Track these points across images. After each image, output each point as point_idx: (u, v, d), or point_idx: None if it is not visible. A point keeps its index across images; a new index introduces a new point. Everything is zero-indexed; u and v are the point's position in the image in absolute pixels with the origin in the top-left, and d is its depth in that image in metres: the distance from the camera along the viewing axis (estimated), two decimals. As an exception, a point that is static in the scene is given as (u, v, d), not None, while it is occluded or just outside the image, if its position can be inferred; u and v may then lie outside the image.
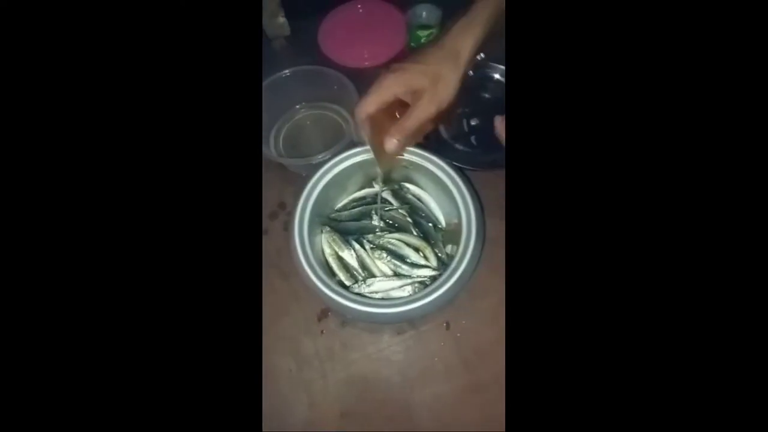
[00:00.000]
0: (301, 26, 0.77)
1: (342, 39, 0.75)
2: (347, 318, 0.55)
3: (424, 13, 0.72)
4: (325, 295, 0.49)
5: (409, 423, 0.50)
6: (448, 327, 0.55)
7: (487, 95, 0.69)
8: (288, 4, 0.74)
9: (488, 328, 0.54)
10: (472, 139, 0.66)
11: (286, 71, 0.64)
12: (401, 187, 0.61)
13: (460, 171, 0.54)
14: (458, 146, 0.65)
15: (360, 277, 0.55)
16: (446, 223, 0.59)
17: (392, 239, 0.56)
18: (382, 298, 0.52)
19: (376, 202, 0.59)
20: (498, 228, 0.56)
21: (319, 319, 0.56)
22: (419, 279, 0.53)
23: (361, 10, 0.79)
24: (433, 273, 0.53)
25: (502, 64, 0.67)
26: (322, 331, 0.55)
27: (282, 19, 0.75)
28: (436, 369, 0.53)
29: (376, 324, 0.55)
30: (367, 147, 0.55)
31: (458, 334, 0.54)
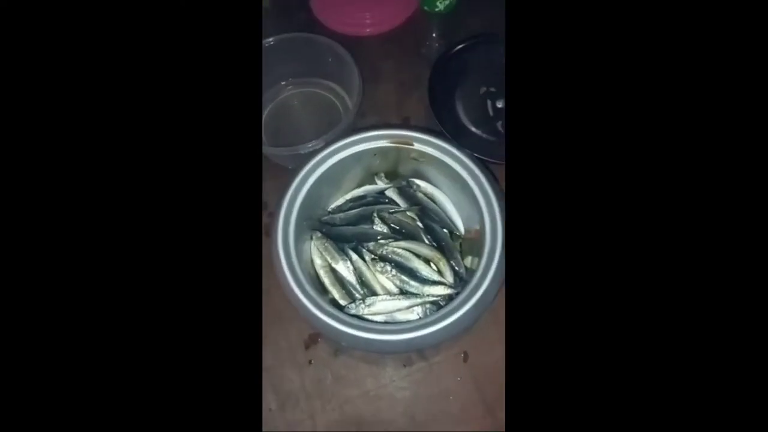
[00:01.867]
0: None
1: (338, 0, 0.70)
2: (341, 345, 0.52)
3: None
4: (315, 316, 0.45)
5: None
6: (466, 358, 0.51)
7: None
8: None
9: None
10: (498, 125, 0.61)
11: (270, 39, 0.59)
12: (410, 184, 0.57)
13: (483, 164, 0.50)
14: (481, 133, 0.61)
15: (358, 296, 0.51)
16: (465, 230, 0.55)
17: (398, 248, 0.52)
18: (386, 322, 0.49)
19: (378, 202, 0.56)
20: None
21: (307, 347, 0.53)
22: (431, 299, 0.50)
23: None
24: (448, 291, 0.50)
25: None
26: (310, 361, 0.52)
27: (266, -23, 0.70)
28: (450, 410, 0.49)
29: (377, 354, 0.52)
30: (369, 133, 0.51)
31: (478, 368, 0.51)
